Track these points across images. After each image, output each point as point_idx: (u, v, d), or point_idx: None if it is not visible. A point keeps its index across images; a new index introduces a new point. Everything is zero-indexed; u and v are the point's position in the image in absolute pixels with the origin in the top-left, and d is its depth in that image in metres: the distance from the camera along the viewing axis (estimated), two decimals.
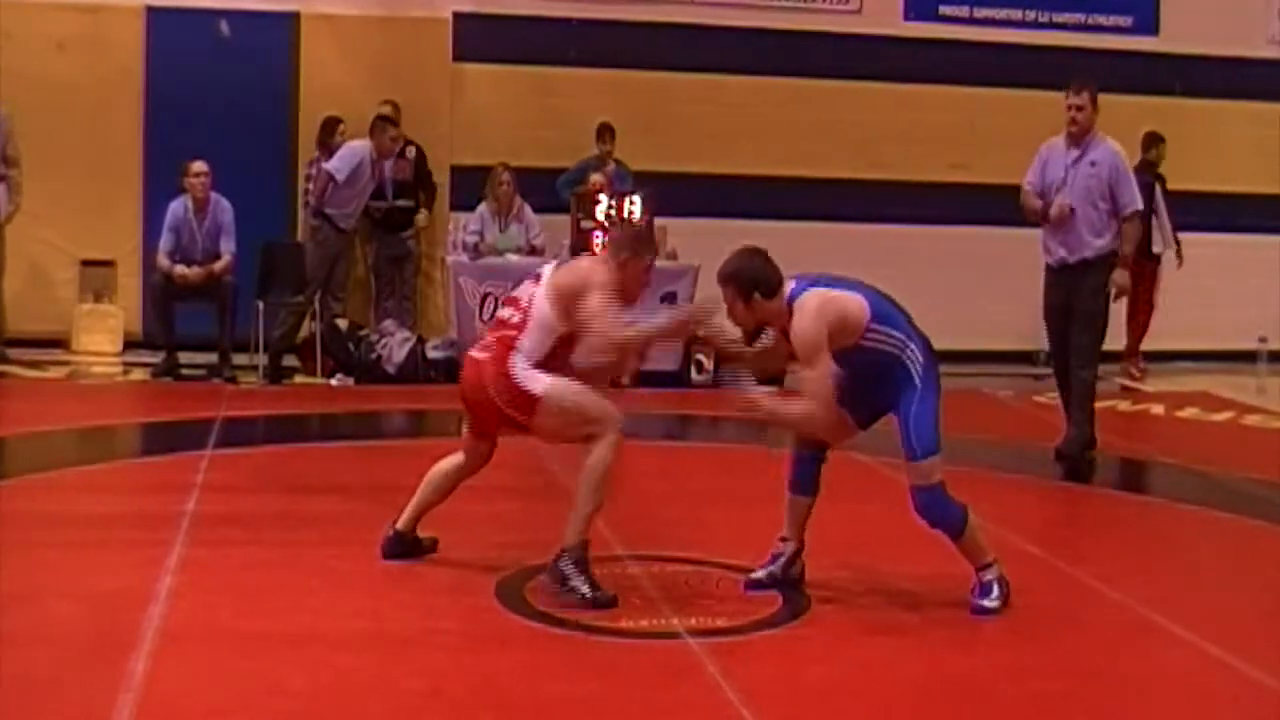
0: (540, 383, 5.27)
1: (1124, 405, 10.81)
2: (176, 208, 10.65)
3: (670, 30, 12.35)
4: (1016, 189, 8.66)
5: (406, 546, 5.71)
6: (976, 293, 12.42)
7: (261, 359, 10.65)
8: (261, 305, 10.76)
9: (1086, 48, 12.84)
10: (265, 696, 4.33)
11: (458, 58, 12.10)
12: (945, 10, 12.93)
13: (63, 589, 5.26)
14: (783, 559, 5.56)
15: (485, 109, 12.11)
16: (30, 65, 11.07)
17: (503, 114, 12.06)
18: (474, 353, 5.55)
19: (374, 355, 10.76)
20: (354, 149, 10.74)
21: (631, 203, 11.14)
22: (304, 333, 11.03)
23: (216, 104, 11.22)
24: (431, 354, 10.85)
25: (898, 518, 5.31)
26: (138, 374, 10.76)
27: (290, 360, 10.92)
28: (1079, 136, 8.31)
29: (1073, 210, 8.24)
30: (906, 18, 12.85)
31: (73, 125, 11.23)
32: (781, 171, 12.41)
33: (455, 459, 5.70)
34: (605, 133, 11.68)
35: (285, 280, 10.95)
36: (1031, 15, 13.03)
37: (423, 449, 8.71)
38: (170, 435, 8.64)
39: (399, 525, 5.72)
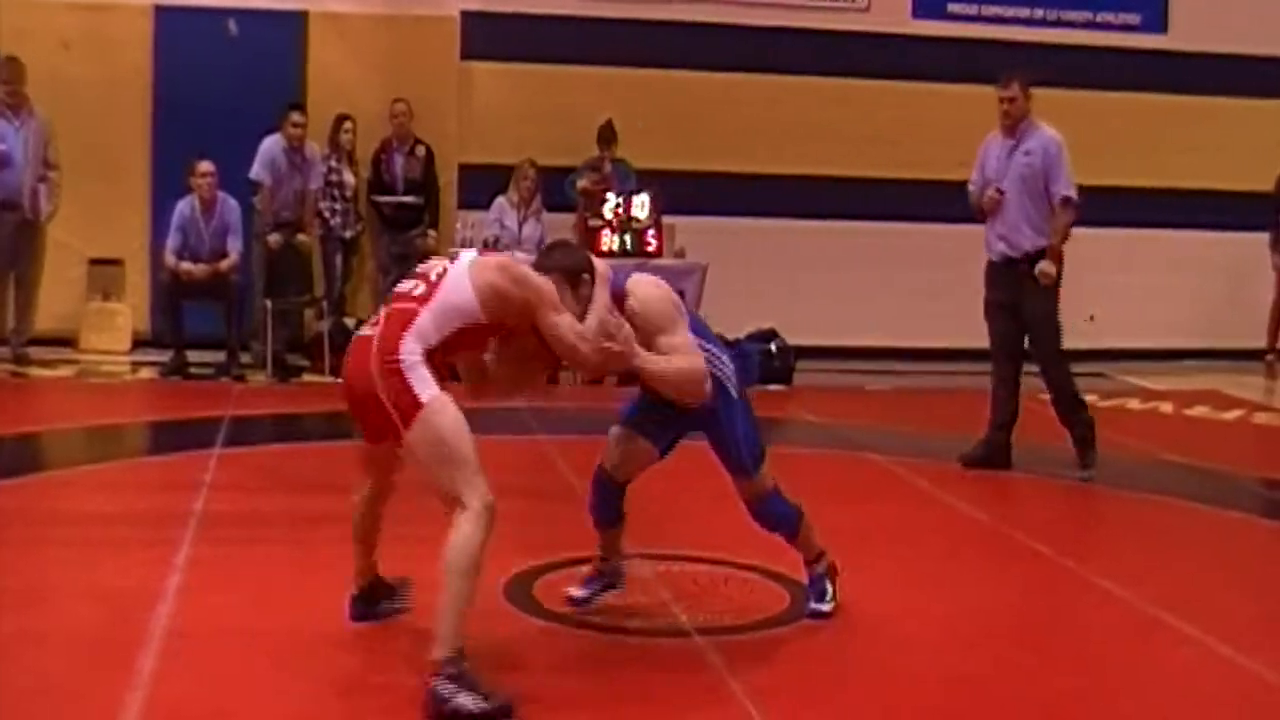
0: (429, 389, 4.22)
1: (1134, 403, 10.79)
2: (183, 207, 10.66)
3: (678, 29, 12.34)
4: None
5: (375, 600, 4.97)
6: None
7: (269, 355, 10.64)
8: (269, 304, 10.76)
9: (1094, 46, 12.84)
10: (272, 695, 4.33)
11: (465, 56, 12.11)
12: (953, 8, 12.92)
13: (71, 587, 5.28)
14: (606, 577, 5.26)
15: (493, 107, 12.10)
16: (38, 64, 11.04)
17: (510, 112, 12.05)
18: (364, 330, 4.47)
19: None
20: (267, 148, 11.00)
21: (643, 203, 11.17)
22: (312, 331, 11.03)
23: (224, 103, 11.21)
24: None
25: (908, 518, 5.30)
26: (146, 372, 10.77)
27: (298, 358, 10.94)
28: (1012, 128, 8.04)
29: (1001, 193, 7.95)
30: (915, 15, 12.83)
31: (80, 124, 11.21)
32: (789, 170, 12.40)
33: (362, 494, 4.82)
34: (604, 134, 11.63)
35: (292, 279, 10.96)
36: (1039, 13, 13.01)
37: None
38: (178, 434, 8.65)
39: (355, 589, 4.94)
